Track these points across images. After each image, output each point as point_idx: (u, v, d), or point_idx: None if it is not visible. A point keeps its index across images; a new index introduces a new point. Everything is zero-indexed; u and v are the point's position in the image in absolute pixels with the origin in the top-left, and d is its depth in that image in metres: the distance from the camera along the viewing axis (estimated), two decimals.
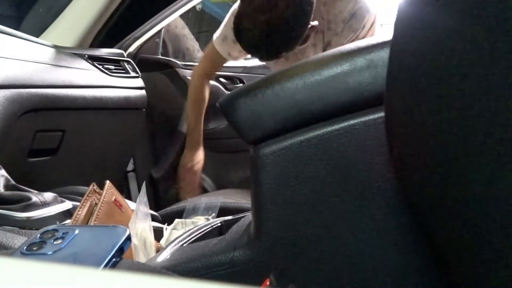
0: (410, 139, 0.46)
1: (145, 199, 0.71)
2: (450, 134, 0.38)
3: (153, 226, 0.76)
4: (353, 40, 1.24)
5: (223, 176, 2.06)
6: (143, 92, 1.60)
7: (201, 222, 0.88)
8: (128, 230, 0.44)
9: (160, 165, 1.91)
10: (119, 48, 1.64)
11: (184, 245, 0.71)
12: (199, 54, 2.29)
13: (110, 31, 1.58)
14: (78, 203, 0.71)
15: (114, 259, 0.40)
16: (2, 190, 0.80)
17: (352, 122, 0.55)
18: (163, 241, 0.84)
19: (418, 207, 0.50)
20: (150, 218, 0.74)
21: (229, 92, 0.65)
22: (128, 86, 1.52)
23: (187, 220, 0.92)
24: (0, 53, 1.10)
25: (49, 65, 1.24)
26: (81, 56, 1.41)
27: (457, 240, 0.43)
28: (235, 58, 1.57)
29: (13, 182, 0.83)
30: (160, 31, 1.79)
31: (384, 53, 0.54)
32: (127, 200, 0.81)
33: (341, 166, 0.56)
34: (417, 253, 0.56)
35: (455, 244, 0.43)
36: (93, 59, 1.44)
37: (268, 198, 0.57)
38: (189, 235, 0.74)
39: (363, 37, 1.26)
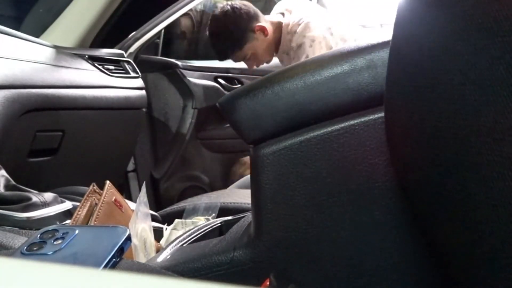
0: (410, 139, 0.46)
1: (145, 199, 0.71)
2: (450, 134, 0.38)
3: (153, 226, 0.76)
4: None
5: (223, 176, 2.06)
6: (143, 92, 1.60)
7: (201, 222, 0.88)
8: (128, 230, 0.44)
9: (160, 165, 1.91)
10: (120, 49, 1.64)
11: (184, 245, 0.71)
12: None
13: (111, 31, 1.58)
14: (78, 203, 0.71)
15: (114, 259, 0.40)
16: (2, 190, 0.80)
17: (352, 122, 0.55)
18: (163, 241, 0.84)
19: (418, 207, 0.50)
20: (150, 218, 0.74)
21: (228, 92, 0.65)
22: (128, 86, 1.52)
23: (187, 220, 0.92)
24: (0, 53, 1.10)
25: (49, 65, 1.24)
26: (81, 57, 1.41)
27: (457, 239, 0.43)
28: None
29: (13, 182, 0.83)
30: (160, 31, 1.79)
31: (384, 53, 0.54)
32: (127, 200, 0.81)
33: (341, 166, 0.56)
34: (417, 252, 0.56)
35: (455, 244, 0.43)
36: (93, 59, 1.44)
37: (268, 198, 0.57)
38: (189, 235, 0.74)
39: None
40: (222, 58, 1.79)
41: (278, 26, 1.72)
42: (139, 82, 1.60)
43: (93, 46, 1.55)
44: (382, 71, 0.54)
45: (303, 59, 1.61)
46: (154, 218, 0.92)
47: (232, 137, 1.97)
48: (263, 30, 1.69)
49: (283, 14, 1.74)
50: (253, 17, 1.69)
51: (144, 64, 1.75)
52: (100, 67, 1.44)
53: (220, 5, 1.77)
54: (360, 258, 0.57)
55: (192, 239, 0.73)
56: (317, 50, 1.59)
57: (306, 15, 1.66)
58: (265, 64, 1.87)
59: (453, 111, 0.37)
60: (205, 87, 1.96)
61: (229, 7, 1.69)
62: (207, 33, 1.78)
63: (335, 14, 1.83)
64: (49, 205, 0.75)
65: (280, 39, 1.72)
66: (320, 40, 1.59)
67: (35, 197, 0.74)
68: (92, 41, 1.55)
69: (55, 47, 1.34)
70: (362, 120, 0.55)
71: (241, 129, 0.59)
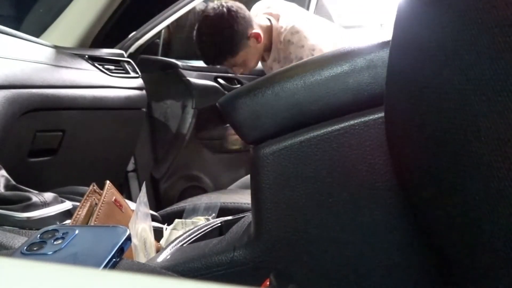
0: (409, 139, 0.46)
1: (145, 199, 0.71)
2: (450, 134, 0.38)
3: (153, 226, 0.76)
4: None
5: (223, 176, 2.06)
6: (143, 92, 1.60)
7: (201, 222, 0.88)
8: (128, 230, 0.44)
9: (160, 165, 1.91)
10: (120, 49, 1.64)
11: (184, 245, 0.71)
12: None
13: (111, 31, 1.58)
14: (78, 203, 0.71)
15: (114, 259, 0.40)
16: (3, 190, 0.80)
17: (352, 122, 0.55)
18: (163, 241, 0.84)
19: (418, 207, 0.50)
20: (150, 218, 0.74)
21: (228, 92, 0.65)
22: (128, 86, 1.52)
23: (187, 220, 0.92)
24: (0, 53, 1.10)
25: (49, 65, 1.24)
26: (81, 57, 1.41)
27: (457, 240, 0.43)
28: None
29: (13, 182, 0.83)
30: (160, 31, 1.79)
31: (384, 53, 0.54)
32: (127, 200, 0.81)
33: (341, 166, 0.56)
34: (417, 252, 0.56)
35: (455, 244, 0.43)
36: (93, 60, 1.44)
37: (268, 198, 0.57)
38: (189, 235, 0.74)
39: None
40: (210, 62, 1.64)
41: (267, 31, 1.62)
42: (139, 82, 1.60)
43: (93, 46, 1.55)
44: (382, 71, 0.54)
45: None
46: (154, 218, 0.92)
47: None
48: (257, 37, 1.58)
49: (269, 19, 1.65)
50: (249, 23, 1.57)
51: (144, 64, 1.75)
52: (100, 67, 1.44)
53: (212, 4, 1.58)
54: (360, 258, 0.57)
55: (192, 239, 0.73)
56: None
57: (297, 23, 1.58)
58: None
59: (453, 111, 0.37)
60: (205, 87, 1.96)
61: (224, 9, 1.54)
62: (195, 33, 1.60)
63: (322, 19, 1.75)
64: (49, 205, 0.75)
65: (270, 46, 1.62)
66: (320, 47, 1.52)
67: (35, 197, 0.74)
68: (92, 41, 1.55)
69: (55, 47, 1.34)
70: (362, 120, 0.55)
71: (241, 129, 0.59)
